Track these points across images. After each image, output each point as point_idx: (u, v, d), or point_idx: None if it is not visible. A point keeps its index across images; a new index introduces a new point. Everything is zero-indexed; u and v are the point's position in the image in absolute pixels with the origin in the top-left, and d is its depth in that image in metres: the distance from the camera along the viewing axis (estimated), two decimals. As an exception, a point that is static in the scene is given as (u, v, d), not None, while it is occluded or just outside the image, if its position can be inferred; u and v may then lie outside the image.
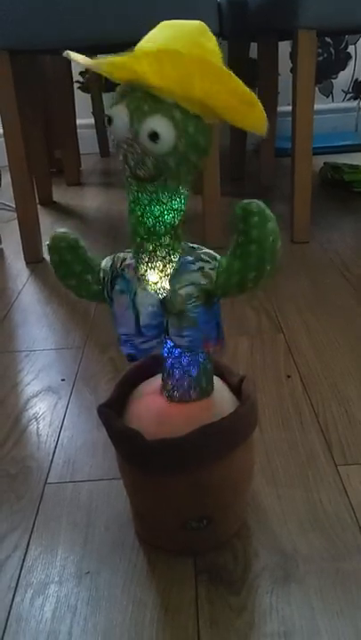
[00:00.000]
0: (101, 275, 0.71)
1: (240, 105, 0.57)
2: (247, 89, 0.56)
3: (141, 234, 0.66)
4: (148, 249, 0.67)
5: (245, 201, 0.62)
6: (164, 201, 0.64)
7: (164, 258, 0.67)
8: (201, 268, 0.67)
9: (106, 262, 0.72)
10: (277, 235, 0.64)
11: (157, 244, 0.66)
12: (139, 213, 0.65)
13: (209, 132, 0.61)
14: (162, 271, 0.67)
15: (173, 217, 0.66)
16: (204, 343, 0.70)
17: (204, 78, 0.55)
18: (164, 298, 0.67)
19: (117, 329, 0.71)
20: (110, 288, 0.70)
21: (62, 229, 0.72)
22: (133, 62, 0.55)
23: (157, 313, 0.68)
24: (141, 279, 0.68)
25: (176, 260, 0.67)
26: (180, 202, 0.65)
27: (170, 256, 0.67)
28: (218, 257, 0.68)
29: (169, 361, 0.74)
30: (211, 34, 0.58)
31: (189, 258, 0.67)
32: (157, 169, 0.60)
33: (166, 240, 0.66)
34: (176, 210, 0.65)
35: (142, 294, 0.68)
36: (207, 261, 0.67)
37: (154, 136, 0.57)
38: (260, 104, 0.57)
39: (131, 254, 0.69)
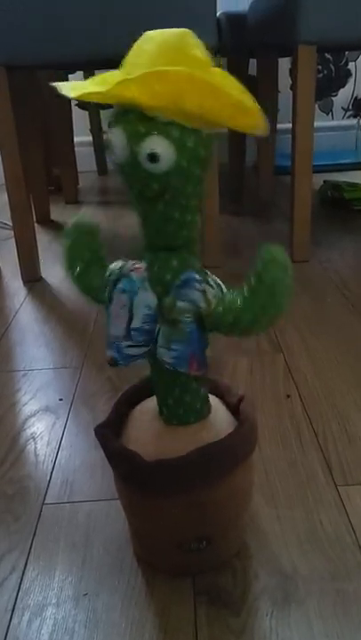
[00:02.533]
0: (107, 273, 0.71)
1: (239, 114, 0.57)
2: (242, 97, 0.56)
3: (155, 249, 0.66)
4: (161, 257, 0.67)
5: (274, 246, 0.62)
6: (177, 217, 0.64)
7: (176, 269, 0.67)
8: (204, 291, 0.66)
9: (116, 264, 0.72)
10: (290, 291, 0.63)
11: (172, 254, 0.66)
12: (151, 231, 0.65)
13: (209, 142, 0.61)
14: (170, 280, 0.67)
15: (187, 233, 0.66)
16: (190, 362, 0.69)
17: (195, 95, 0.55)
18: (162, 303, 0.67)
19: (108, 331, 0.70)
20: (112, 287, 0.70)
21: (85, 215, 0.72)
22: (122, 89, 0.55)
23: (152, 317, 0.68)
24: (147, 283, 0.68)
25: (187, 274, 0.67)
26: (193, 214, 0.65)
27: (182, 268, 0.67)
28: (224, 289, 0.68)
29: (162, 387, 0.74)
30: (196, 39, 0.58)
31: (197, 277, 0.67)
32: (162, 187, 0.60)
33: (182, 252, 0.67)
34: (190, 222, 0.65)
35: (143, 294, 0.67)
36: (212, 287, 0.67)
37: (153, 157, 0.57)
38: (256, 107, 0.57)
39: (143, 263, 0.69)
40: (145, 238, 0.67)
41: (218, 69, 0.57)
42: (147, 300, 0.67)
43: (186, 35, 0.58)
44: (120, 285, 0.69)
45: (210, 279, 0.68)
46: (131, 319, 0.68)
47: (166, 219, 0.64)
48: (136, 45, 0.59)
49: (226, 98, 0.56)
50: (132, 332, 0.68)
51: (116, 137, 0.59)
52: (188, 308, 0.66)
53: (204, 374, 0.72)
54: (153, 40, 0.58)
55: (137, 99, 0.55)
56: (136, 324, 0.68)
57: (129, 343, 0.69)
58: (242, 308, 0.64)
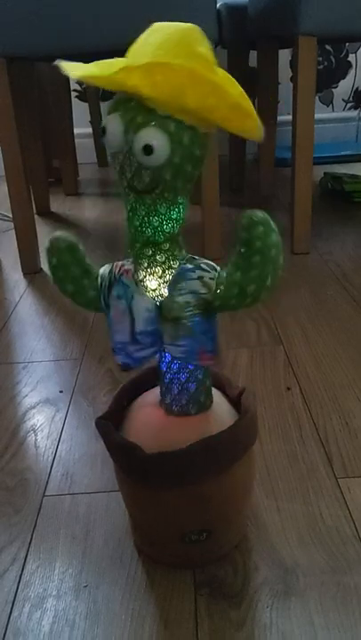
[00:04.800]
0: (99, 280, 0.71)
1: (236, 116, 0.57)
2: (241, 99, 0.56)
3: (140, 241, 0.66)
4: (147, 254, 0.66)
5: (250, 210, 0.62)
6: (162, 212, 0.64)
7: (164, 263, 0.67)
8: (200, 277, 0.66)
9: (104, 269, 0.71)
10: (281, 247, 0.63)
11: (157, 248, 0.66)
12: (137, 223, 0.65)
13: (204, 141, 0.61)
14: (161, 277, 0.67)
15: (172, 227, 0.65)
16: (200, 355, 0.69)
17: (196, 91, 0.55)
18: (161, 304, 0.67)
19: (112, 337, 0.70)
20: (107, 294, 0.69)
21: (62, 232, 0.71)
22: (125, 77, 0.55)
23: (153, 319, 0.67)
24: (140, 285, 0.68)
25: (176, 266, 0.67)
26: (179, 212, 0.65)
27: (169, 262, 0.67)
28: (218, 268, 0.68)
29: (167, 376, 0.74)
30: (203, 36, 0.58)
31: (189, 266, 0.67)
32: (153, 181, 0.60)
33: (166, 245, 0.66)
34: (175, 219, 0.65)
35: (139, 299, 0.67)
36: (207, 271, 0.67)
37: (148, 149, 0.57)
38: (254, 113, 0.57)
39: (129, 261, 0.69)
40: (129, 232, 0.67)
41: (221, 70, 0.57)
42: (144, 303, 0.67)
43: (193, 30, 0.57)
44: (114, 292, 0.69)
45: (201, 264, 0.67)
46: (133, 323, 0.68)
47: (151, 211, 0.64)
48: (142, 36, 0.58)
49: (225, 98, 0.56)
50: (138, 336, 0.68)
51: (113, 123, 0.59)
52: (189, 300, 0.66)
53: (217, 362, 0.71)
54: (160, 32, 0.58)
55: (138, 87, 0.55)
56: (139, 327, 0.68)
57: (137, 347, 0.69)
58: (242, 279, 0.64)
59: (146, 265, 0.67)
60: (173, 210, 0.64)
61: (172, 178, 0.60)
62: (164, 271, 0.67)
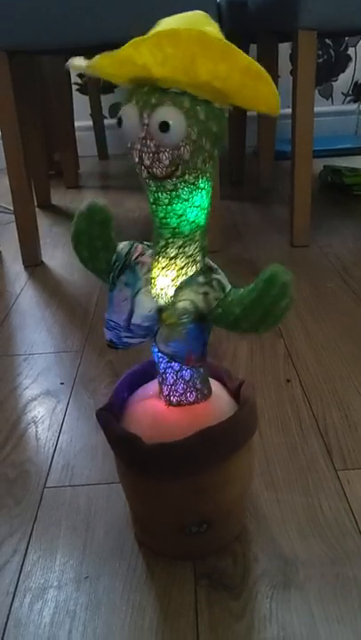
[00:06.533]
0: (114, 258, 0.71)
1: (248, 81, 0.57)
2: (253, 61, 0.56)
3: (166, 236, 0.66)
4: (169, 255, 0.67)
5: (277, 265, 0.63)
6: (185, 197, 0.64)
7: (181, 268, 0.67)
8: (205, 294, 0.67)
9: (122, 247, 0.71)
10: (287, 311, 0.64)
11: (181, 251, 0.66)
12: (161, 215, 0.65)
13: (221, 117, 0.61)
14: (173, 280, 0.67)
15: (197, 214, 0.66)
16: (187, 357, 0.70)
17: (206, 56, 0.55)
18: (162, 306, 0.67)
19: (109, 313, 0.70)
20: (117, 274, 0.70)
21: (99, 201, 0.71)
22: (133, 54, 0.55)
23: (151, 318, 0.68)
24: (150, 281, 0.68)
25: (191, 273, 0.67)
26: (203, 198, 0.65)
27: (187, 268, 0.67)
28: (227, 289, 0.68)
29: (161, 365, 0.74)
30: (212, 20, 0.58)
31: (200, 279, 0.67)
32: (173, 163, 0.60)
33: (190, 250, 0.66)
34: (198, 207, 0.65)
35: (143, 298, 0.67)
36: (215, 290, 0.67)
37: (164, 126, 0.57)
38: (268, 77, 0.57)
39: (149, 251, 0.69)
40: (154, 226, 0.67)
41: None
42: (147, 302, 0.68)
43: (200, 15, 0.58)
44: (123, 277, 0.69)
45: (213, 281, 0.68)
46: (131, 314, 0.68)
47: (173, 198, 0.64)
48: (151, 31, 0.58)
49: (237, 61, 0.55)
50: (132, 327, 0.69)
51: (129, 112, 0.59)
52: (187, 308, 0.66)
53: (201, 366, 0.72)
54: (168, 20, 0.58)
55: (148, 65, 0.55)
56: (136, 320, 0.68)
57: (128, 334, 0.70)
58: (240, 315, 0.65)
59: (164, 265, 0.67)
60: (196, 195, 0.64)
61: (191, 156, 0.60)
62: (178, 275, 0.67)
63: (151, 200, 0.65)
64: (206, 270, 0.68)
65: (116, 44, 0.56)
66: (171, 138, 0.58)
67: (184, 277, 0.67)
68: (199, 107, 0.58)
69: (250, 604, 0.74)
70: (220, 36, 0.57)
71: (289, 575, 0.77)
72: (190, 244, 0.66)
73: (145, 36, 0.55)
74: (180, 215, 0.65)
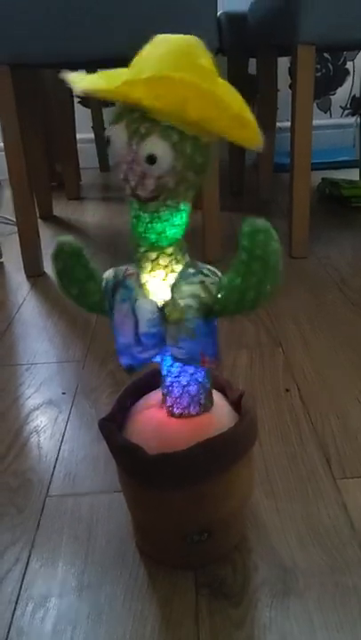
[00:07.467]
0: (104, 284, 0.72)
1: (236, 125, 0.58)
2: (242, 111, 0.57)
3: (145, 246, 0.67)
4: (150, 258, 0.67)
5: (251, 218, 0.63)
6: (166, 218, 0.65)
7: (167, 267, 0.68)
8: (202, 282, 0.67)
9: (109, 273, 0.72)
10: (281, 255, 0.64)
11: (160, 252, 0.67)
12: (141, 230, 0.66)
13: (207, 151, 0.62)
14: (163, 280, 0.68)
15: (176, 232, 0.67)
16: (202, 357, 0.70)
17: (197, 104, 0.56)
18: (164, 306, 0.68)
19: (116, 339, 0.71)
20: (112, 297, 0.70)
21: (66, 237, 0.72)
22: (129, 89, 0.56)
23: (156, 320, 0.68)
24: (143, 288, 0.69)
25: (178, 270, 0.68)
26: (182, 218, 0.66)
27: (172, 265, 0.68)
28: (219, 273, 0.69)
29: (168, 380, 0.75)
30: (204, 49, 0.59)
31: (191, 270, 0.68)
32: (157, 189, 0.61)
33: (169, 250, 0.67)
34: (178, 225, 0.66)
35: (143, 301, 0.68)
36: (208, 276, 0.68)
37: (151, 158, 0.58)
38: (254, 123, 0.58)
39: (134, 265, 0.70)
40: (134, 237, 0.68)
41: (222, 81, 0.58)
42: (147, 305, 0.68)
43: (194, 42, 0.59)
44: (118, 296, 0.69)
45: (203, 269, 0.69)
46: (136, 325, 0.69)
47: (155, 218, 0.65)
48: (146, 48, 0.60)
49: (227, 109, 0.57)
50: (142, 338, 0.69)
51: (118, 134, 0.60)
52: (191, 303, 0.67)
53: (218, 365, 0.72)
54: (162, 44, 0.59)
55: (142, 100, 0.57)
56: (143, 328, 0.68)
57: (140, 349, 0.70)
58: (242, 285, 0.65)
59: (149, 268, 0.68)
60: (176, 216, 0.65)
61: (175, 185, 0.61)
62: (166, 274, 0.68)
63: (132, 215, 0.66)
64: (192, 262, 0.69)
65: (117, 60, 0.57)
66: (157, 169, 0.59)
67: (172, 274, 0.68)
68: (186, 141, 0.60)
69: (250, 612, 0.74)
70: (212, 67, 0.59)
71: (289, 584, 0.78)
72: (169, 247, 0.67)
73: (139, 78, 0.56)
74: (160, 233, 0.66)
